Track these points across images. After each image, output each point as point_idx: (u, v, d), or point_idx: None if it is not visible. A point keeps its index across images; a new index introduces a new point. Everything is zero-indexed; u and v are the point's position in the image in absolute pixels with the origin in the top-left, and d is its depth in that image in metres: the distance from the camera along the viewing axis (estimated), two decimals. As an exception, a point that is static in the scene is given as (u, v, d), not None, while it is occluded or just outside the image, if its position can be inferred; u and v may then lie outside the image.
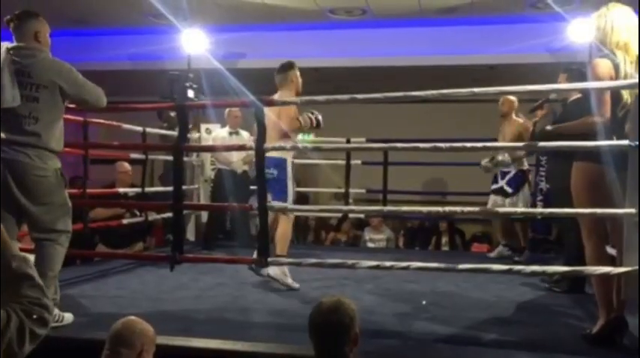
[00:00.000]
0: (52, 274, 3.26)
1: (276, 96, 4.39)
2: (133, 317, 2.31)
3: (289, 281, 4.41)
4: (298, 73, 4.61)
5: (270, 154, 4.05)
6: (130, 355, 2.17)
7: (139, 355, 2.19)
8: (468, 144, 3.56)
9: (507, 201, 5.76)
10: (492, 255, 6.06)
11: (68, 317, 3.36)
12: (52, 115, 3.27)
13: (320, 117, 4.48)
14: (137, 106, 5.00)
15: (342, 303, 2.20)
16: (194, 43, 7.30)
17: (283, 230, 4.43)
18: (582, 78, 3.58)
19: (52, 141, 3.26)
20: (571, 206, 3.25)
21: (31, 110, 3.19)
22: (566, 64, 4.99)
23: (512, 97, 5.75)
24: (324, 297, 2.32)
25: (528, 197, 5.75)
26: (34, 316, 1.47)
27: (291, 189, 4.44)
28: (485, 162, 5.76)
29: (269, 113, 4.38)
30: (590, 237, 3.16)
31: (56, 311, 3.28)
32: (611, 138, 3.03)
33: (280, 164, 4.40)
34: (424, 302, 3.53)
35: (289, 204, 4.40)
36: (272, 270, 4.36)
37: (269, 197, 4.50)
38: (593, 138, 3.07)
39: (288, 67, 4.60)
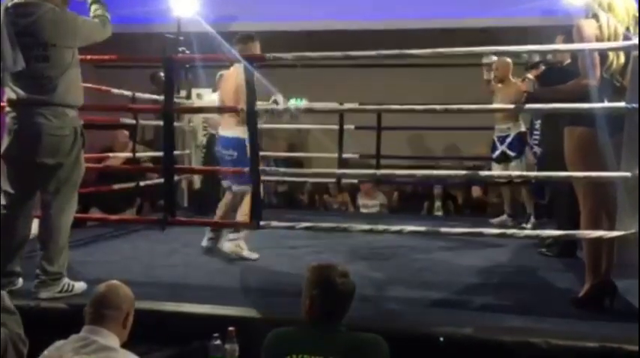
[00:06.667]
0: (55, 247, 3.22)
1: (232, 69, 4.26)
2: (115, 281, 2.30)
3: (245, 253, 4.24)
4: (259, 47, 4.31)
5: (228, 134, 3.89)
6: (117, 317, 2.16)
7: (126, 318, 2.19)
8: (464, 107, 3.50)
9: (512, 164, 5.59)
10: (494, 221, 5.91)
11: (79, 286, 3.31)
12: (64, 69, 3.16)
13: (279, 100, 4.27)
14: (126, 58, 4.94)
15: (347, 271, 2.25)
16: (184, 5, 7.15)
17: (247, 211, 4.15)
18: None
19: (69, 96, 3.18)
20: (563, 170, 3.22)
21: (43, 70, 3.09)
22: (565, 26, 4.90)
23: (507, 59, 5.65)
24: (314, 262, 2.32)
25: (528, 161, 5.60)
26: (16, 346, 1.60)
27: None
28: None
29: (226, 87, 4.27)
30: (586, 202, 3.14)
31: (65, 280, 3.25)
32: (601, 101, 2.99)
33: (240, 145, 4.05)
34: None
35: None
36: (226, 246, 4.24)
37: (226, 182, 4.41)
38: (584, 101, 3.02)
39: (249, 38, 4.31)
